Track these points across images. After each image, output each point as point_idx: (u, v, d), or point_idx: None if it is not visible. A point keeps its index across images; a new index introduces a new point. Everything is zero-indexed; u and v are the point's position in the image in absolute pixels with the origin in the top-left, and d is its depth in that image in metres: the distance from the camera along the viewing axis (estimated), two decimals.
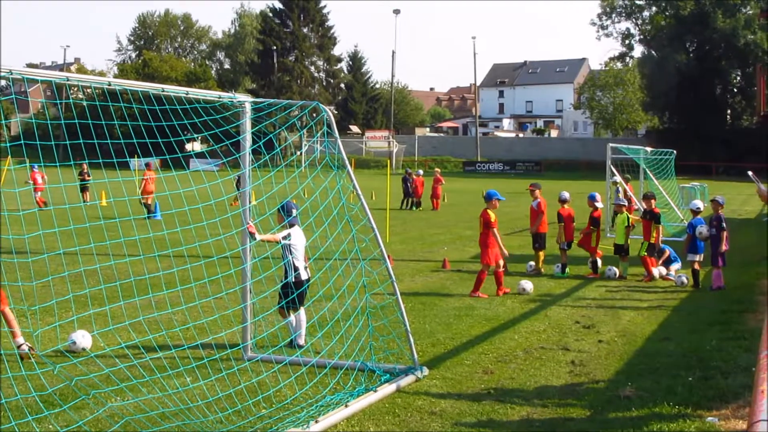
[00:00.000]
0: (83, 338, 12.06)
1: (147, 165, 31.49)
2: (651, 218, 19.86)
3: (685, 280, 18.96)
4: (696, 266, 18.74)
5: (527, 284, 17.92)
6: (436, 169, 53.84)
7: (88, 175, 38.43)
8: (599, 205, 21.24)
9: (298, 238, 12.35)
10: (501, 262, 17.69)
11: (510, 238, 28.97)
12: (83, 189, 38.71)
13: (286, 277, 12.32)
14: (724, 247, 18.22)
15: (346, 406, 9.62)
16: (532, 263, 21.01)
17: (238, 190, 12.36)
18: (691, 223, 19.22)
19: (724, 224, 18.45)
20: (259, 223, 12.21)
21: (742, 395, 10.09)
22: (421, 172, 46.08)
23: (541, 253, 20.97)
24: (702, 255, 18.83)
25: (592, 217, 20.79)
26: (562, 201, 21.11)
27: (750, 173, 12.32)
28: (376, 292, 13.27)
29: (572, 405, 10.05)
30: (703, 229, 18.66)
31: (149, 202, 32.68)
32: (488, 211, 17.77)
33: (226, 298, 13.95)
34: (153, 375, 10.01)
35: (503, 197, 18.61)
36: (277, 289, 12.63)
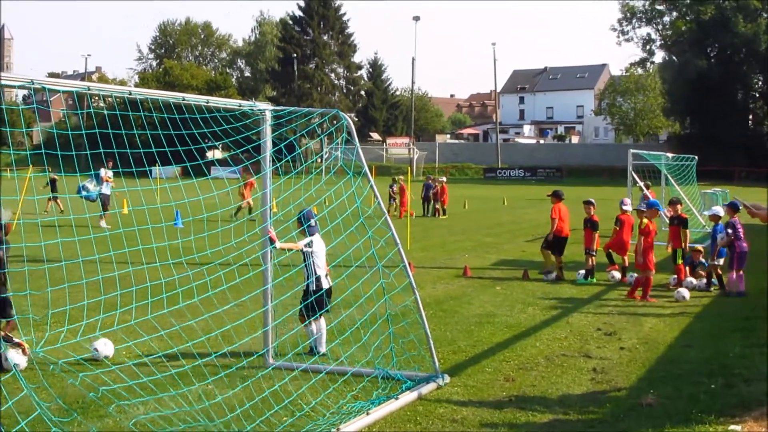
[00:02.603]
0: (105, 346, 12.10)
1: (245, 170, 31.10)
2: (679, 224, 19.81)
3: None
4: (718, 270, 18.73)
5: (685, 292, 18.09)
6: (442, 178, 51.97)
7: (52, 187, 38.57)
8: (627, 208, 21.14)
9: (318, 246, 12.36)
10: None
11: (531, 244, 28.91)
12: (53, 197, 38.79)
13: (308, 287, 12.33)
14: (737, 251, 18.26)
15: (368, 413, 9.60)
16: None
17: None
18: (715, 229, 19.21)
19: (739, 229, 18.42)
20: (278, 232, 12.21)
21: (765, 403, 10.02)
22: (444, 179, 45.87)
23: (560, 259, 20.86)
24: (724, 259, 18.81)
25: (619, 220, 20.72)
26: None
27: (736, 198, 12.37)
28: (397, 298, 13.25)
29: (594, 413, 10.01)
30: (722, 237, 18.71)
31: (244, 206, 33.17)
32: (648, 219, 18.25)
33: (248, 303, 13.96)
34: (175, 383, 10.02)
35: (663, 209, 18.96)
36: (300, 299, 12.63)
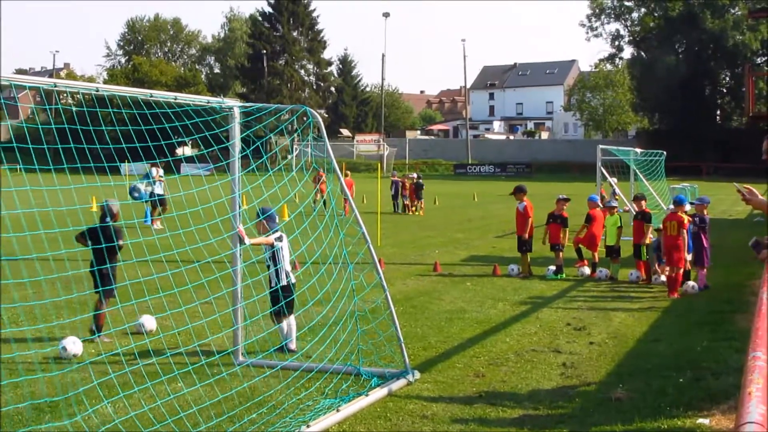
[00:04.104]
0: (74, 345, 12.03)
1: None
2: (642, 218, 19.90)
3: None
4: (687, 266, 18.84)
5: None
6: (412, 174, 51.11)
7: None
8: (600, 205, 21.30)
9: (285, 243, 12.37)
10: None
11: (501, 240, 29.02)
12: None
13: (271, 284, 12.34)
14: (705, 245, 18.46)
15: (338, 410, 9.61)
16: (515, 266, 20.96)
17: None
18: None
19: (706, 225, 18.64)
20: (249, 228, 12.19)
21: (732, 396, 10.10)
22: (414, 175, 45.80)
23: (528, 256, 20.91)
24: (692, 254, 18.92)
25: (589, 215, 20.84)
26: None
27: (735, 184, 12.43)
28: (367, 295, 13.26)
29: (563, 407, 10.05)
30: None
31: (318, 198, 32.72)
32: (680, 214, 18.21)
33: (214, 303, 13.93)
34: (143, 381, 9.98)
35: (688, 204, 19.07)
36: (266, 295, 12.64)
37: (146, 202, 30.41)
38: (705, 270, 18.58)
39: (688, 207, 19.43)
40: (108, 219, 13.56)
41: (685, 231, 17.88)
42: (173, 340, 12.79)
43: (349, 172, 44.74)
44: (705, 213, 18.97)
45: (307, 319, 13.34)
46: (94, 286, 13.10)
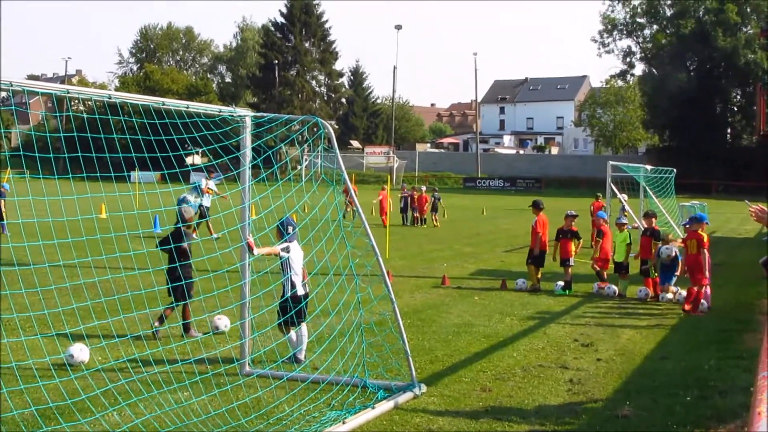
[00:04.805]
0: (81, 352, 12.02)
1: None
2: (651, 235, 19.86)
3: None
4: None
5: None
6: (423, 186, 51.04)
7: None
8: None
9: (296, 253, 12.36)
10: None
11: (509, 254, 28.98)
12: None
13: (284, 294, 12.33)
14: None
15: (344, 422, 9.58)
16: (522, 281, 20.95)
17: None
18: None
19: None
20: (258, 239, 12.19)
21: (740, 415, 10.06)
22: (423, 188, 45.85)
23: (539, 270, 20.91)
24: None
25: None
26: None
27: (746, 202, 12.43)
28: (375, 307, 13.25)
29: (570, 424, 10.01)
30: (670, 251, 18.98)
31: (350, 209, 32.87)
32: (700, 232, 18.18)
33: (234, 310, 13.94)
34: (150, 390, 9.98)
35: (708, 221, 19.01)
36: (276, 306, 12.64)
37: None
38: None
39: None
40: (179, 223, 14.37)
41: (705, 249, 17.84)
42: (182, 349, 12.79)
43: (424, 188, 45.34)
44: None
45: (314, 330, 13.33)
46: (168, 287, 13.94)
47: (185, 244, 13.95)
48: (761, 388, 3.79)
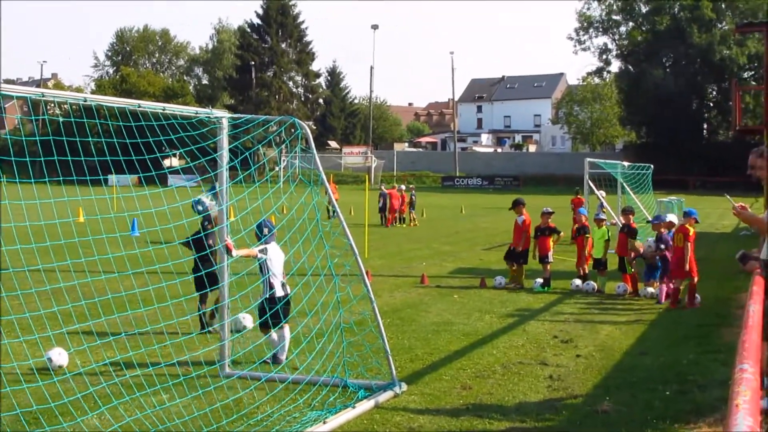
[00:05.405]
0: (60, 356, 11.97)
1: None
2: (628, 233, 19.93)
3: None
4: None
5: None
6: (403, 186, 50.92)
7: None
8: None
9: (274, 254, 12.35)
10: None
11: (488, 253, 29.04)
12: None
13: (263, 294, 12.33)
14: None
15: (324, 422, 9.59)
16: (501, 278, 21.00)
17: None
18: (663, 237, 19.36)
19: (662, 245, 18.75)
20: (236, 241, 12.19)
21: (718, 409, 10.12)
22: (403, 187, 45.88)
23: (522, 268, 20.97)
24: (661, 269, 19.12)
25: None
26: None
27: (726, 195, 12.50)
28: (355, 306, 13.26)
29: (550, 420, 10.05)
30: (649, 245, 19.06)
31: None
32: (687, 226, 18.20)
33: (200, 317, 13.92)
34: (130, 392, 9.95)
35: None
36: (255, 306, 12.64)
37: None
38: (666, 284, 18.72)
39: (673, 218, 19.56)
40: (207, 225, 14.80)
41: (690, 243, 17.91)
42: (163, 351, 12.75)
43: (403, 186, 45.17)
44: (663, 231, 19.09)
45: (292, 331, 13.32)
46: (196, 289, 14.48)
47: (210, 242, 14.11)
48: (739, 380, 3.82)
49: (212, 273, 13.25)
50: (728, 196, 10.36)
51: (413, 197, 43.92)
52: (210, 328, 14.55)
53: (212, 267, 13.49)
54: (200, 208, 15.47)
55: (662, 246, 18.83)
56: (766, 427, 7.14)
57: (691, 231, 18.13)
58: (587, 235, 20.95)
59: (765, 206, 15.22)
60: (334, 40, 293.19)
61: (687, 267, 17.87)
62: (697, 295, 18.15)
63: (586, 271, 20.82)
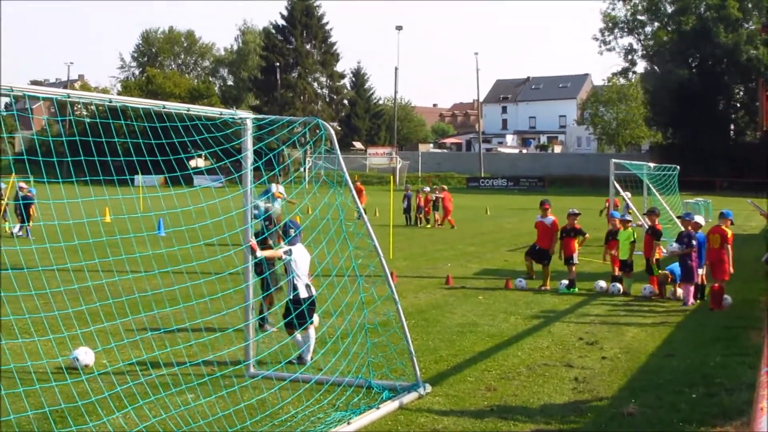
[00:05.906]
0: (86, 355, 12.02)
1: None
2: (652, 234, 19.84)
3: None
4: (699, 279, 18.79)
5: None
6: (442, 186, 51.21)
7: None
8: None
9: (299, 255, 12.31)
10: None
11: (513, 254, 28.96)
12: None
13: (287, 295, 12.33)
14: (694, 264, 18.44)
15: (349, 423, 9.59)
16: (521, 279, 20.98)
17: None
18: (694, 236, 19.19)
19: (694, 241, 18.48)
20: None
21: (745, 412, 10.05)
22: (427, 189, 45.77)
23: (548, 269, 20.92)
24: (704, 269, 18.88)
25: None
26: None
27: (749, 201, 12.43)
28: (379, 307, 13.25)
29: (575, 422, 10.02)
30: (674, 247, 18.83)
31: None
32: (724, 228, 18.20)
33: (227, 316, 13.94)
34: (156, 392, 9.99)
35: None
36: (281, 306, 12.66)
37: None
38: (690, 286, 18.56)
39: (700, 220, 19.39)
40: (268, 224, 15.30)
41: (728, 245, 17.82)
42: (188, 351, 12.79)
43: (428, 188, 44.90)
44: (690, 229, 18.86)
45: (318, 332, 13.33)
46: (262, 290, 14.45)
47: (270, 242, 14.38)
48: (763, 384, 3.79)
49: (273, 273, 13.67)
50: (751, 201, 10.35)
51: (438, 197, 43.45)
52: (272, 330, 14.52)
53: (274, 267, 13.68)
54: (256, 212, 15.58)
55: (693, 243, 18.55)
56: None
57: (729, 233, 18.02)
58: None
59: None
60: (358, 41, 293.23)
61: (731, 269, 17.83)
62: (727, 296, 18.04)
63: (617, 273, 20.73)
